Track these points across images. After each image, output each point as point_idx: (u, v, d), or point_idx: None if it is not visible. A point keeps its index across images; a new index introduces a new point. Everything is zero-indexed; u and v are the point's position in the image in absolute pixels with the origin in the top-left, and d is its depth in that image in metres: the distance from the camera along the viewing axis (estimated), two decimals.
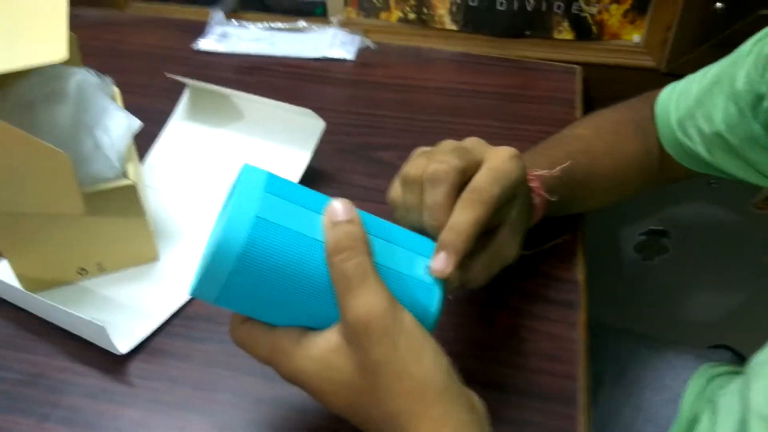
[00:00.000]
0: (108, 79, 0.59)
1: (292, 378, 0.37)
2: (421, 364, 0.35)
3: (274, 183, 0.36)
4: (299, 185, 0.37)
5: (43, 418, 0.48)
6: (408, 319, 0.35)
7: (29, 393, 0.49)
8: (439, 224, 0.40)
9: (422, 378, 0.35)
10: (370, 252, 0.35)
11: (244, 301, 0.36)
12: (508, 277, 0.56)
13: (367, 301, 0.34)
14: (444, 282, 0.39)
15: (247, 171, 0.36)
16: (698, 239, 1.07)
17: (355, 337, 0.34)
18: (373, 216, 0.38)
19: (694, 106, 0.55)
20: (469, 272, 0.43)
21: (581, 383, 0.48)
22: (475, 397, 0.37)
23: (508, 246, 0.45)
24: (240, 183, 0.35)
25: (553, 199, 0.52)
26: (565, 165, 0.54)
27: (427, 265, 0.39)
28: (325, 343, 0.36)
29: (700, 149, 0.56)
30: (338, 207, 0.36)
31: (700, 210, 1.04)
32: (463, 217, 0.39)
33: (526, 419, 0.47)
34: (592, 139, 0.60)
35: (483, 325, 0.53)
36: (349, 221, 0.35)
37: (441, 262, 0.38)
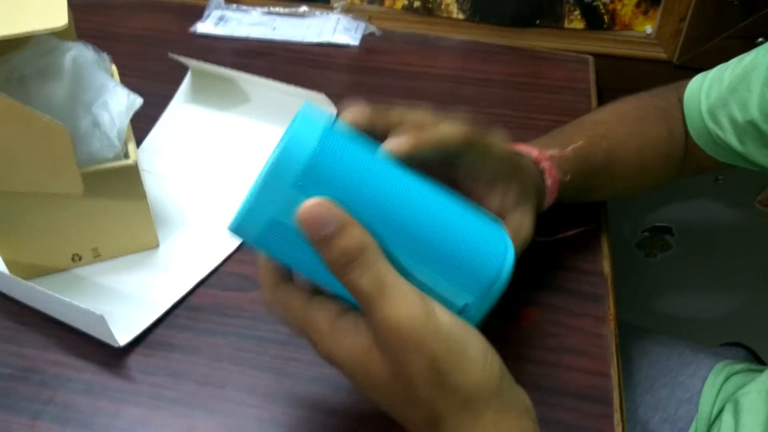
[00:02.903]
0: (105, 56, 0.56)
1: (326, 359, 0.34)
2: (466, 373, 0.31)
3: (335, 122, 0.33)
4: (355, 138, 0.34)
5: (36, 415, 0.44)
6: (445, 322, 0.31)
7: (20, 388, 0.45)
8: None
9: (469, 388, 0.31)
10: (380, 254, 0.31)
11: (290, 241, 0.31)
12: (532, 269, 0.54)
13: (394, 311, 0.30)
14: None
15: (307, 106, 0.33)
16: (702, 236, 1.05)
17: (387, 348, 0.31)
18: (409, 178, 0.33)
19: (727, 93, 0.53)
20: None
21: (615, 381, 0.46)
22: (526, 398, 0.34)
23: (521, 227, 0.43)
24: (301, 113, 0.32)
25: (565, 179, 0.50)
26: (577, 145, 0.52)
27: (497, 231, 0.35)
28: (360, 339, 0.32)
29: (731, 138, 0.54)
30: (315, 216, 0.30)
31: (705, 207, 1.03)
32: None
33: (560, 419, 0.44)
34: (613, 123, 0.57)
35: (508, 320, 0.50)
36: (341, 230, 0.30)
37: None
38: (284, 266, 0.35)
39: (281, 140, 0.33)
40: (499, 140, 0.41)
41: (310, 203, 0.30)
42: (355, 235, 0.30)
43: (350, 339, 0.32)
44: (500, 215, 0.42)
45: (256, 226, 0.31)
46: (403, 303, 0.30)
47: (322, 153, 0.30)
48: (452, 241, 0.33)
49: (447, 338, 0.31)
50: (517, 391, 0.34)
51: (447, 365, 0.31)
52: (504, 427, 0.32)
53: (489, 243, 0.34)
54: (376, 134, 0.37)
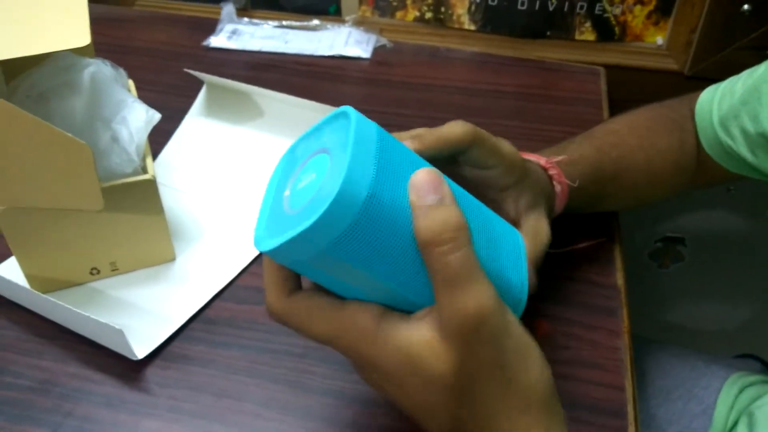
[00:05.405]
0: (122, 71, 0.56)
1: (363, 363, 0.32)
2: (528, 372, 0.31)
3: (384, 137, 0.31)
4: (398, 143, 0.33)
5: (56, 428, 0.44)
6: (514, 321, 0.32)
7: (40, 401, 0.46)
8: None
9: (528, 387, 0.31)
10: (471, 240, 0.30)
11: (328, 271, 0.30)
12: (545, 282, 0.54)
13: (475, 297, 0.29)
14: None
15: (359, 119, 0.30)
16: (715, 247, 1.05)
17: (458, 335, 0.30)
18: (454, 183, 0.33)
19: (738, 105, 0.53)
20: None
21: (629, 394, 0.46)
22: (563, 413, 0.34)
23: (539, 229, 0.44)
24: (355, 126, 0.30)
25: (573, 185, 0.50)
26: (582, 149, 0.53)
27: (520, 258, 0.36)
28: (415, 335, 0.31)
29: (743, 150, 0.54)
30: (425, 183, 0.30)
31: (717, 217, 1.02)
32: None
33: None
34: (624, 134, 0.58)
35: None
36: (443, 202, 0.30)
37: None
38: (295, 274, 0.34)
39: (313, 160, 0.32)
40: (505, 144, 0.42)
41: (425, 170, 0.30)
42: (457, 213, 0.30)
43: (401, 335, 0.31)
44: (515, 221, 0.43)
45: (284, 261, 0.30)
46: (485, 291, 0.30)
47: (365, 213, 0.28)
48: (494, 255, 0.34)
49: (516, 336, 0.31)
50: (560, 406, 0.34)
51: (513, 363, 0.31)
52: None
53: (517, 261, 0.35)
54: None
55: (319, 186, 0.29)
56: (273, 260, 0.32)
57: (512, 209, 0.43)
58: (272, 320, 0.35)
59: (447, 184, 0.31)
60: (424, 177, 0.30)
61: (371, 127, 0.31)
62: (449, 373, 0.31)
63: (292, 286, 0.34)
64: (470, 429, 0.32)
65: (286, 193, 0.32)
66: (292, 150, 0.34)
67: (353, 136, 0.29)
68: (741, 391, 0.65)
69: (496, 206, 0.43)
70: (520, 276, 0.36)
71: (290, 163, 0.34)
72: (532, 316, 0.52)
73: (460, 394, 0.31)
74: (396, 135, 0.38)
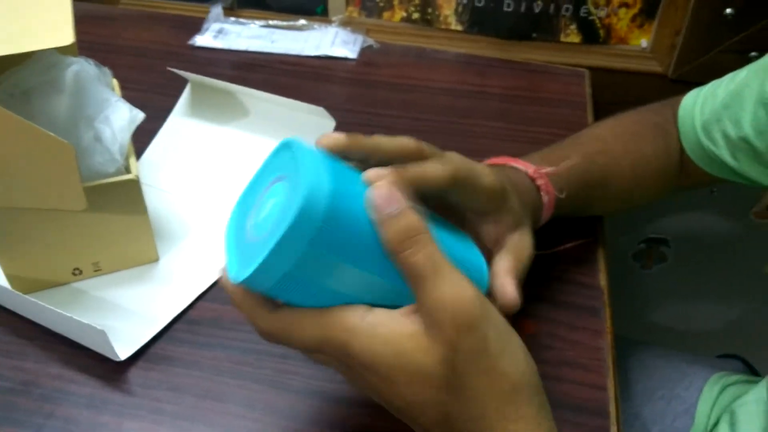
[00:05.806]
0: (106, 70, 0.56)
1: (352, 362, 0.33)
2: (512, 360, 0.32)
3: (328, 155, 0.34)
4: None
5: (37, 430, 0.44)
6: (494, 310, 0.32)
7: (21, 402, 0.46)
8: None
9: (514, 375, 0.32)
10: (433, 240, 0.32)
11: (310, 279, 0.31)
12: (529, 283, 0.54)
13: (449, 287, 0.31)
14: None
15: (302, 144, 0.33)
16: (698, 248, 1.06)
17: (439, 327, 0.31)
18: None
19: (720, 110, 0.54)
20: (503, 287, 0.40)
21: (611, 394, 0.46)
22: None
23: (523, 247, 0.43)
24: (302, 146, 0.32)
25: (561, 196, 0.51)
26: (570, 163, 0.53)
27: (478, 256, 0.38)
28: (399, 327, 0.31)
29: (725, 154, 0.54)
30: (381, 198, 0.32)
31: (700, 219, 1.03)
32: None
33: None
34: (610, 139, 0.58)
35: None
36: (402, 212, 0.31)
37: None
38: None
39: (269, 176, 0.34)
40: (486, 176, 0.40)
41: (380, 185, 0.32)
42: (414, 218, 0.32)
43: (387, 328, 0.32)
44: (498, 241, 0.43)
45: (267, 281, 0.31)
46: (458, 283, 0.31)
47: (334, 208, 0.30)
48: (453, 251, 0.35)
49: (497, 324, 0.32)
50: (546, 399, 0.34)
51: (497, 350, 0.31)
52: (544, 425, 0.32)
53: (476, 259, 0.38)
54: (350, 160, 0.36)
55: (285, 201, 0.31)
56: (245, 293, 0.34)
57: (492, 231, 0.42)
58: (266, 341, 0.35)
59: (401, 193, 0.32)
60: (379, 193, 0.32)
61: (314, 149, 0.34)
62: (436, 366, 0.31)
63: (272, 305, 0.34)
64: (460, 422, 0.32)
65: (249, 225, 0.33)
66: (245, 195, 0.36)
67: (306, 153, 0.32)
68: (722, 390, 0.66)
69: (475, 227, 0.43)
70: (482, 272, 0.38)
71: (245, 204, 0.35)
72: (516, 317, 0.52)
73: (448, 385, 0.31)
74: (372, 141, 0.37)
